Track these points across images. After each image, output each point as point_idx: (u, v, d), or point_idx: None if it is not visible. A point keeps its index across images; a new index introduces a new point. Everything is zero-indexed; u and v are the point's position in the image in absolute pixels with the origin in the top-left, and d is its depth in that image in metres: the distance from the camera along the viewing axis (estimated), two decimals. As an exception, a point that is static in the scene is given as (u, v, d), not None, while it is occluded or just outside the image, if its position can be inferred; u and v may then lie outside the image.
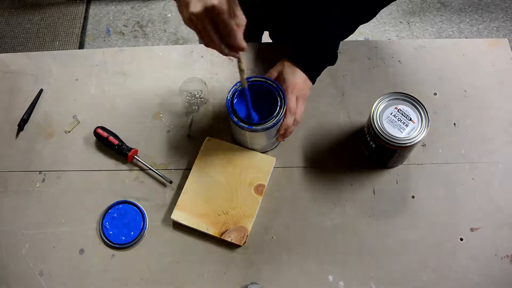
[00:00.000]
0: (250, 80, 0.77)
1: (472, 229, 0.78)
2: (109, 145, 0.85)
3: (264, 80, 0.77)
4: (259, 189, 0.80)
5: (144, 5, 2.09)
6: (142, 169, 0.85)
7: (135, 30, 2.03)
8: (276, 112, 0.75)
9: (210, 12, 0.55)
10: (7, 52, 1.05)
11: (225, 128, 0.88)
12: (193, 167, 0.82)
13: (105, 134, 0.86)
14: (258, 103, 0.78)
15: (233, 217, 0.78)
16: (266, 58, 0.94)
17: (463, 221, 0.79)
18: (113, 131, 0.87)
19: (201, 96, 0.88)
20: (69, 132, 0.89)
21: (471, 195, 0.81)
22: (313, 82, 0.83)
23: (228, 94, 0.76)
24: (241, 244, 0.77)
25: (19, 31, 2.03)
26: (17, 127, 0.90)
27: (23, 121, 0.90)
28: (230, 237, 0.77)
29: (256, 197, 0.80)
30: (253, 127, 0.74)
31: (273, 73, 0.81)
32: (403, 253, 0.77)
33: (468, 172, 0.83)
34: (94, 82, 0.94)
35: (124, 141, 0.86)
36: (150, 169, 0.84)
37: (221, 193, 0.80)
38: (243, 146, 0.84)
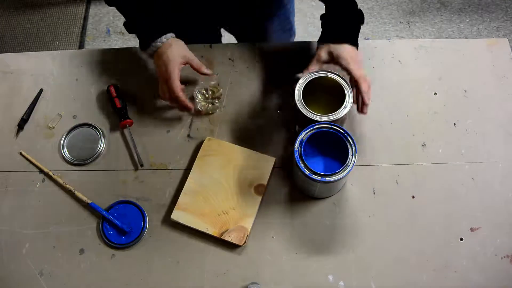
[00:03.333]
0: (315, 127, 0.73)
1: (472, 229, 0.78)
2: (112, 105, 0.89)
3: (330, 126, 0.73)
4: (259, 189, 0.80)
5: (144, 5, 2.09)
6: (140, 170, 0.85)
7: (135, 30, 2.03)
8: (348, 160, 0.71)
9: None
10: (7, 52, 1.05)
11: (225, 128, 0.88)
12: (193, 167, 0.82)
13: (114, 94, 0.89)
14: (326, 151, 0.76)
15: (233, 217, 0.78)
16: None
17: (463, 221, 0.79)
18: (123, 98, 0.90)
19: (216, 97, 0.89)
20: (53, 128, 0.89)
21: (471, 195, 0.81)
22: (357, 48, 0.82)
23: (295, 144, 0.72)
24: (241, 244, 0.77)
25: (19, 31, 2.03)
26: (17, 127, 0.90)
27: (23, 121, 0.90)
28: (230, 237, 0.77)
29: (256, 197, 0.80)
30: (326, 179, 0.70)
31: (322, 55, 0.80)
32: (403, 253, 0.77)
33: (468, 172, 0.83)
34: (94, 82, 0.94)
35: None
36: (134, 145, 0.86)
37: (221, 193, 0.80)
38: (308, 194, 0.81)
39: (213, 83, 0.90)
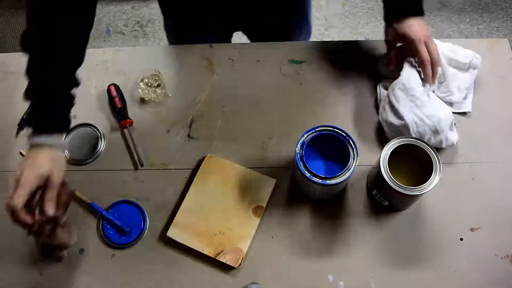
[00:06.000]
0: (317, 129, 0.73)
1: (472, 229, 0.78)
2: (112, 105, 0.89)
3: (332, 129, 0.72)
4: (257, 210, 0.79)
5: (144, 5, 2.09)
6: (140, 170, 0.85)
7: (135, 30, 2.03)
8: (349, 163, 0.70)
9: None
10: (7, 52, 1.05)
11: (224, 128, 0.88)
12: (192, 184, 0.81)
13: (114, 94, 0.89)
14: (328, 154, 0.76)
15: (229, 238, 0.77)
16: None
17: (463, 221, 0.79)
18: (124, 98, 0.90)
19: (158, 85, 0.90)
20: None
21: (471, 195, 0.81)
22: (423, 14, 0.80)
23: (297, 146, 0.72)
24: (236, 266, 0.75)
25: (19, 31, 2.03)
26: (17, 127, 0.90)
27: (23, 121, 0.90)
28: (225, 259, 0.75)
29: (254, 219, 0.78)
30: (327, 182, 0.70)
31: (391, 38, 0.81)
32: (403, 253, 0.77)
33: (468, 172, 0.83)
34: (94, 82, 0.94)
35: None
36: (134, 144, 0.85)
37: (218, 212, 0.79)
38: (309, 197, 0.81)
39: (154, 72, 0.90)
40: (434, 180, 0.69)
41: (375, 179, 0.75)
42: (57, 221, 0.69)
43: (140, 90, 0.90)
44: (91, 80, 0.94)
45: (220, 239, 0.77)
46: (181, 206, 0.80)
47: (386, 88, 0.87)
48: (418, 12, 0.79)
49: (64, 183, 0.70)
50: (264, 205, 0.80)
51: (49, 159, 0.66)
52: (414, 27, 0.77)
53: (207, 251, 0.76)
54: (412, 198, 0.72)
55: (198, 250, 0.76)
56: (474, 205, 0.80)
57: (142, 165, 0.85)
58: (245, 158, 0.85)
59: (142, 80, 0.90)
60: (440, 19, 1.99)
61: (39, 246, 0.74)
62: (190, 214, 0.79)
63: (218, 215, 0.79)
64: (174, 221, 0.78)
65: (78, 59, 0.73)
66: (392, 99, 0.81)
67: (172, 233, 0.78)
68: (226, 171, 0.82)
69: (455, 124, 0.83)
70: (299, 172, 0.71)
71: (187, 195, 0.80)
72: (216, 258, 0.76)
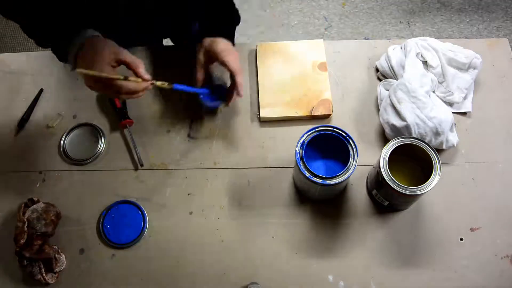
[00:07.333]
0: (317, 129, 0.73)
1: (472, 229, 0.78)
2: (112, 105, 0.90)
3: (332, 129, 0.72)
4: (322, 67, 0.90)
5: (144, 5, 2.09)
6: (140, 170, 0.85)
7: (135, 30, 2.03)
8: (349, 163, 0.70)
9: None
10: (7, 52, 1.05)
11: (224, 128, 0.88)
12: (258, 73, 0.90)
13: None
14: (327, 154, 0.76)
15: (313, 95, 0.87)
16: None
17: (463, 221, 0.79)
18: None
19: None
20: (53, 128, 0.89)
21: (471, 195, 0.81)
22: (233, 44, 0.85)
23: (297, 146, 0.71)
24: (330, 113, 0.85)
25: (19, 31, 2.03)
26: (17, 127, 0.90)
27: (23, 121, 0.90)
28: (319, 111, 0.85)
29: (323, 73, 0.90)
30: (327, 182, 0.70)
31: (201, 58, 0.81)
32: (403, 253, 0.77)
33: (468, 172, 0.83)
34: (94, 82, 0.94)
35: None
36: (134, 145, 0.86)
37: (292, 83, 0.89)
38: (309, 197, 0.81)
39: None
40: (434, 180, 0.69)
41: (375, 179, 0.75)
42: (46, 237, 0.78)
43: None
44: (91, 80, 0.94)
45: (306, 100, 0.87)
46: (259, 89, 0.89)
47: (387, 89, 0.87)
48: (228, 37, 0.83)
49: (53, 205, 0.80)
50: (325, 60, 0.91)
51: (103, 42, 0.70)
52: (222, 44, 0.80)
53: (302, 112, 0.86)
54: (412, 198, 0.72)
55: (293, 115, 0.86)
56: (474, 205, 0.80)
57: (142, 165, 0.85)
58: (245, 158, 0.85)
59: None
60: (440, 19, 1.99)
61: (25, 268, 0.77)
62: (271, 93, 0.88)
63: (293, 84, 0.89)
64: (260, 103, 0.87)
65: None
66: (394, 100, 0.80)
67: (264, 113, 0.86)
68: (279, 52, 0.93)
69: (455, 124, 0.83)
70: (299, 172, 0.71)
71: (258, 81, 0.90)
72: (312, 115, 0.85)
